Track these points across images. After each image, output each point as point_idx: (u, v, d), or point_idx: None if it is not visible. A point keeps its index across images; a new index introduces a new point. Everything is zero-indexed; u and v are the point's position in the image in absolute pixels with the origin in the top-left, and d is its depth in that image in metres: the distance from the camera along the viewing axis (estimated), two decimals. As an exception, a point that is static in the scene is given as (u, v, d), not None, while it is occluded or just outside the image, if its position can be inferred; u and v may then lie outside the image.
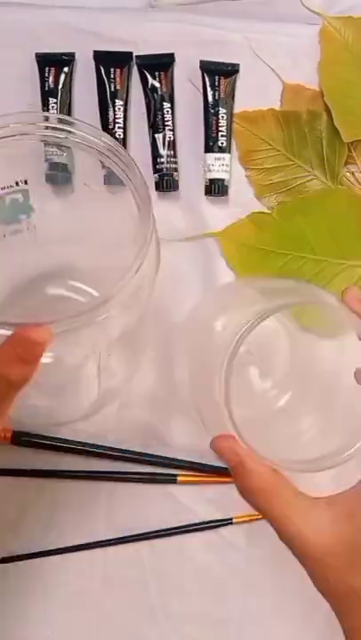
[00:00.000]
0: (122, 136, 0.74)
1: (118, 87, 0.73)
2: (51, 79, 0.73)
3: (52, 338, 0.46)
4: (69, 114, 0.74)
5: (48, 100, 0.73)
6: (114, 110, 0.73)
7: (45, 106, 0.73)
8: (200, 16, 0.75)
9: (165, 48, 0.74)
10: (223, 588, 0.77)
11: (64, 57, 0.74)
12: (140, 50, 0.74)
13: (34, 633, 0.76)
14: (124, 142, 0.74)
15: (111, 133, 0.73)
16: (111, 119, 0.73)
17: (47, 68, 0.73)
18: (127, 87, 0.74)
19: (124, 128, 0.74)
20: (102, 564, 0.76)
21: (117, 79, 0.73)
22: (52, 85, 0.73)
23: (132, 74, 0.74)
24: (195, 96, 0.75)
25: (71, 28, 0.74)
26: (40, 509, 0.76)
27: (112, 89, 0.73)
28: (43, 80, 0.73)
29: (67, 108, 0.74)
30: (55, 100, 0.73)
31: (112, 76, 0.73)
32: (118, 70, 0.73)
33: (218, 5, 0.75)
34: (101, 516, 0.77)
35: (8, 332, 0.45)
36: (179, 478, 0.77)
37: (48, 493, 0.76)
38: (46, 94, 0.73)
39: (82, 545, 0.76)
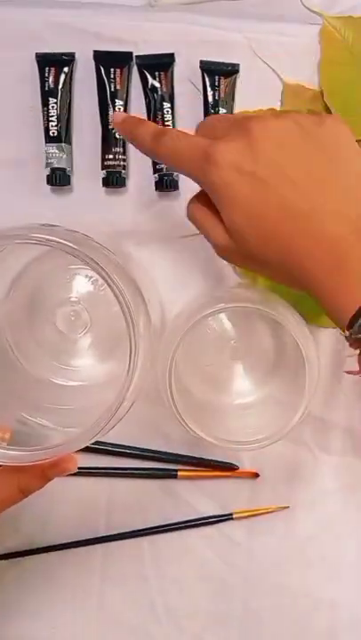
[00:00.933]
0: (121, 136, 0.74)
1: (118, 87, 0.74)
2: (51, 79, 0.73)
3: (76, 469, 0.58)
4: (69, 114, 0.74)
5: (48, 100, 0.73)
6: (114, 110, 0.74)
7: (45, 106, 0.73)
8: (200, 16, 0.75)
9: (165, 48, 0.74)
10: (224, 584, 0.78)
11: (64, 57, 0.74)
12: (140, 50, 0.74)
13: (34, 629, 0.77)
14: (123, 142, 0.74)
15: (112, 133, 0.74)
16: (111, 119, 0.73)
17: (47, 68, 0.73)
18: (127, 87, 0.74)
19: (125, 128, 0.74)
20: (102, 559, 0.77)
21: (117, 79, 0.73)
22: (52, 85, 0.73)
23: (132, 74, 0.75)
24: (195, 96, 0.75)
25: (71, 28, 0.74)
26: (40, 506, 0.77)
27: (112, 89, 0.74)
28: (43, 80, 0.73)
29: (67, 108, 0.74)
30: (55, 100, 0.73)
31: (112, 76, 0.73)
32: (118, 70, 0.73)
33: (218, 5, 0.75)
34: (101, 511, 0.78)
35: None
36: (179, 473, 0.77)
37: (48, 490, 0.76)
38: (46, 94, 0.73)
39: (82, 541, 0.77)
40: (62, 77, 0.73)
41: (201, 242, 0.75)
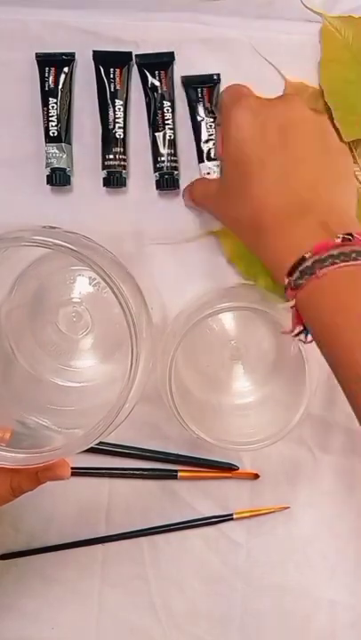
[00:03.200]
0: (122, 135, 0.75)
1: (118, 87, 0.75)
2: (51, 79, 0.74)
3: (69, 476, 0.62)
4: (69, 114, 0.75)
5: (48, 100, 0.74)
6: (114, 110, 0.75)
7: (45, 106, 0.74)
8: (200, 15, 0.75)
9: (165, 47, 0.75)
10: (223, 584, 0.79)
11: (64, 57, 0.75)
12: (140, 49, 0.75)
13: (34, 629, 0.79)
14: (123, 142, 0.75)
15: (112, 133, 0.75)
16: (111, 119, 0.75)
17: (47, 68, 0.74)
18: (127, 87, 0.75)
19: (124, 127, 0.75)
20: (102, 560, 0.78)
21: (117, 79, 0.75)
22: (52, 85, 0.74)
23: (131, 73, 0.76)
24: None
25: (71, 28, 0.75)
26: (40, 506, 0.78)
27: (112, 89, 0.75)
28: (43, 80, 0.75)
29: (67, 108, 0.75)
30: (55, 100, 0.74)
31: (112, 76, 0.74)
32: (118, 70, 0.75)
33: (218, 4, 0.75)
34: (102, 511, 0.79)
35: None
36: (179, 474, 0.79)
37: (49, 490, 0.77)
38: (46, 94, 0.75)
39: (82, 541, 0.78)
40: (62, 77, 0.74)
41: (202, 242, 0.77)
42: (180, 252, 0.77)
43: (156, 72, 0.75)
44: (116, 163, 0.75)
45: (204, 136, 0.76)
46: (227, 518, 0.79)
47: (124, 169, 0.76)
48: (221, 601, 0.79)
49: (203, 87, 0.76)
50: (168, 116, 0.75)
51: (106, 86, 0.75)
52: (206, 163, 0.75)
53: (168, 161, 0.75)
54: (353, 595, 0.79)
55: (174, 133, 0.76)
